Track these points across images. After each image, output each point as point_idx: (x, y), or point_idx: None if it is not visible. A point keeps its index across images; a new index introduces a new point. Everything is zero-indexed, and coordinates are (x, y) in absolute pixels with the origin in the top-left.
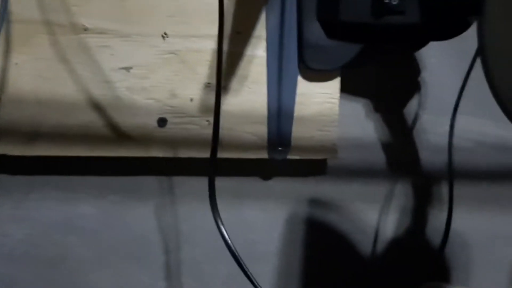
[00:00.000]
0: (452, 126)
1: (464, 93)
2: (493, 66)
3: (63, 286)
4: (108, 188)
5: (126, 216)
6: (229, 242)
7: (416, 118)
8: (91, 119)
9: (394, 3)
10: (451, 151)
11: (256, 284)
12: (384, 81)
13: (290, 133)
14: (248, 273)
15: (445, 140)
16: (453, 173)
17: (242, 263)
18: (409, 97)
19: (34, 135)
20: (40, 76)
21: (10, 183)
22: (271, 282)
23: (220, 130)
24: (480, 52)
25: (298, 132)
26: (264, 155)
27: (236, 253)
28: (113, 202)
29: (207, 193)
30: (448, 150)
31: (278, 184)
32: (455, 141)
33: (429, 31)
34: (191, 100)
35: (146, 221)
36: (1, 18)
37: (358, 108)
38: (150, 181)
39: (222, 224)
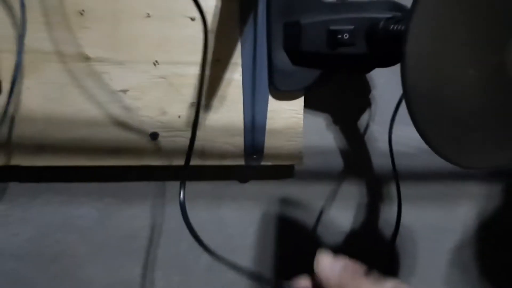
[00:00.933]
0: (390, 135)
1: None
2: (415, 107)
3: (63, 279)
4: (104, 193)
5: (119, 216)
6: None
7: (367, 128)
8: (92, 134)
9: (345, 38)
10: (393, 156)
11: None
12: (341, 98)
13: (263, 143)
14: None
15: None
16: (398, 175)
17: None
18: (362, 111)
19: (41, 148)
20: (47, 98)
21: (19, 190)
22: (244, 267)
23: (203, 142)
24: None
25: (270, 142)
26: (241, 162)
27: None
28: (109, 204)
29: (190, 195)
30: (390, 155)
31: (253, 187)
32: (401, 148)
33: (373, 59)
34: (179, 116)
35: (137, 220)
36: (20, 51)
37: (320, 122)
38: (142, 186)
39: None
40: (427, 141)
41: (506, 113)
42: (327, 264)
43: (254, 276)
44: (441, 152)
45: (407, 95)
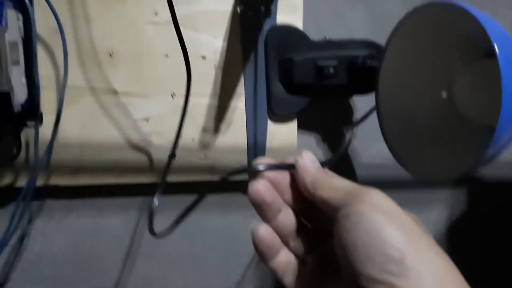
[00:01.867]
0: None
1: None
2: (386, 124)
3: (95, 281)
4: (130, 206)
5: (142, 226)
6: None
7: (351, 145)
8: (120, 156)
9: (330, 72)
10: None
11: None
12: (328, 120)
13: None
14: None
15: (371, 161)
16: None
17: None
18: (346, 131)
19: (76, 169)
20: (82, 126)
21: (55, 206)
22: (251, 265)
23: (213, 160)
24: (378, 117)
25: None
26: (245, 177)
27: None
28: (133, 216)
29: (203, 205)
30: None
31: None
32: (381, 161)
33: (353, 88)
34: (193, 139)
35: (156, 228)
36: (63, 89)
37: (311, 140)
38: (161, 199)
39: None
40: (392, 152)
41: (454, 136)
42: (310, 158)
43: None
44: (402, 163)
45: (379, 117)
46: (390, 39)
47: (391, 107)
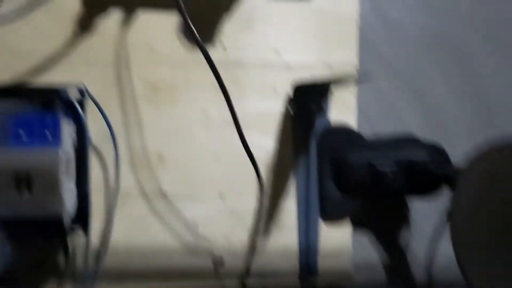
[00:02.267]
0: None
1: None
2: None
3: None
4: None
5: None
6: None
7: (408, 245)
8: (168, 261)
9: (388, 175)
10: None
11: None
12: (383, 219)
13: (316, 265)
14: None
15: (429, 262)
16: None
17: None
18: (402, 230)
19: (123, 276)
20: (130, 231)
21: None
22: None
23: (262, 265)
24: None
25: (322, 262)
26: (296, 281)
27: None
28: None
29: None
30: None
31: None
32: (441, 262)
33: (411, 191)
34: (242, 242)
35: None
36: (114, 196)
37: (365, 241)
38: None
39: None
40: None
41: None
42: None
43: None
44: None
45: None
46: (464, 172)
47: (466, 233)
